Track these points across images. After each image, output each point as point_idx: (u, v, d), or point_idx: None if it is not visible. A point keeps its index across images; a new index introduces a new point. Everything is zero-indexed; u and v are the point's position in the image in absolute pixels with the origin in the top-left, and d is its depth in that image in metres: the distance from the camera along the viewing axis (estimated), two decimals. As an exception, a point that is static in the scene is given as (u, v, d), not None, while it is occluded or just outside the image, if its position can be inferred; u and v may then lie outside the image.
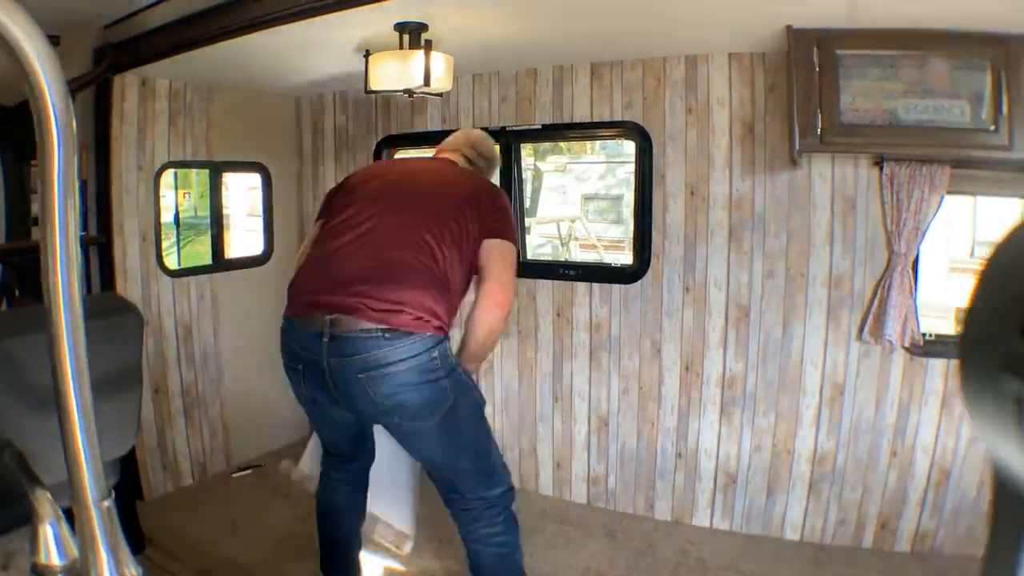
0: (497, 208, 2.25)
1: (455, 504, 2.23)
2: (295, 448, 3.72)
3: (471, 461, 2.18)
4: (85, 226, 3.27)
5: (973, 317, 0.30)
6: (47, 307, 0.56)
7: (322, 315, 2.02)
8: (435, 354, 2.02)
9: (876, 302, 2.92)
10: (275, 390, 3.86)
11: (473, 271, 2.20)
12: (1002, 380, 0.28)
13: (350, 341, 1.98)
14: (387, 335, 1.97)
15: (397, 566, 2.93)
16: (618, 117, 3.34)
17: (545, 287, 3.61)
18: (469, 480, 2.19)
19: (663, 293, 3.31)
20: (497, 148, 2.85)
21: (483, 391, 3.25)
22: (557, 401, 3.63)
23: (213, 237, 4.11)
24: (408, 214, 2.16)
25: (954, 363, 2.87)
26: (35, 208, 4.17)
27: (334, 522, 2.50)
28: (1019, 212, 3.38)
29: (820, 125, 2.67)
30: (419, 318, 1.99)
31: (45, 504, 0.65)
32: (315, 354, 2.03)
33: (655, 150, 3.26)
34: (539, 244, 13.35)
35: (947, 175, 2.76)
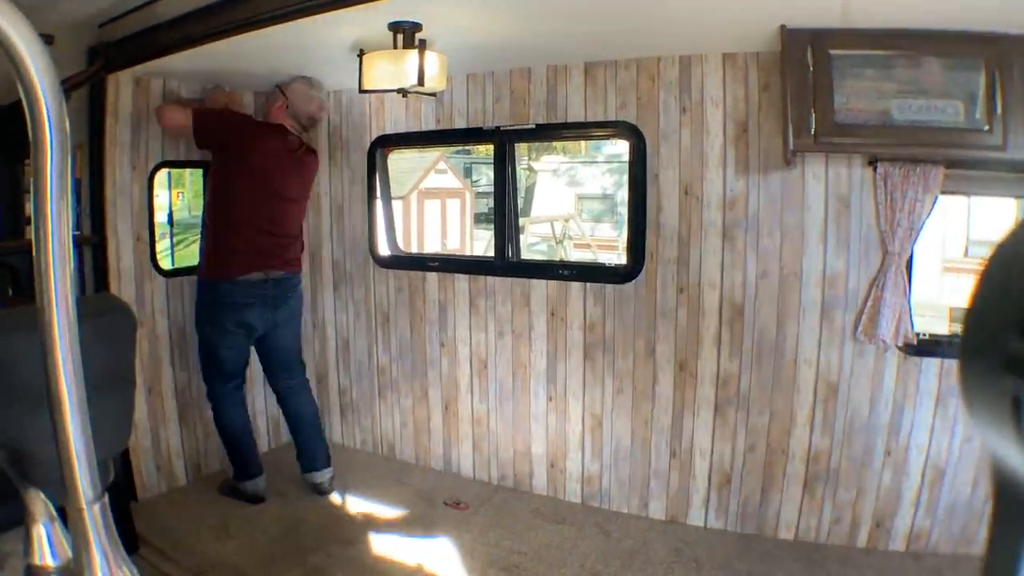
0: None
1: (286, 380, 3.64)
2: (287, 450, 3.72)
3: (299, 351, 3.73)
4: (78, 226, 3.26)
5: (973, 316, 0.30)
6: (40, 307, 0.55)
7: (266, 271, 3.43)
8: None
9: (870, 302, 2.93)
10: (268, 391, 3.85)
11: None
12: (1001, 379, 0.28)
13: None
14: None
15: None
16: (612, 117, 3.34)
17: (539, 287, 3.61)
18: (298, 363, 3.69)
19: (657, 293, 3.31)
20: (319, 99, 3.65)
21: (477, 390, 3.91)
22: (551, 400, 3.63)
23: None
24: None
25: (948, 363, 2.88)
26: (28, 207, 4.16)
27: (248, 431, 3.54)
28: (1015, 212, 3.38)
29: (814, 125, 2.68)
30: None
31: (39, 504, 0.65)
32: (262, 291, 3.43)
33: (649, 150, 3.26)
34: (533, 243, 13.37)
35: (941, 175, 2.77)
